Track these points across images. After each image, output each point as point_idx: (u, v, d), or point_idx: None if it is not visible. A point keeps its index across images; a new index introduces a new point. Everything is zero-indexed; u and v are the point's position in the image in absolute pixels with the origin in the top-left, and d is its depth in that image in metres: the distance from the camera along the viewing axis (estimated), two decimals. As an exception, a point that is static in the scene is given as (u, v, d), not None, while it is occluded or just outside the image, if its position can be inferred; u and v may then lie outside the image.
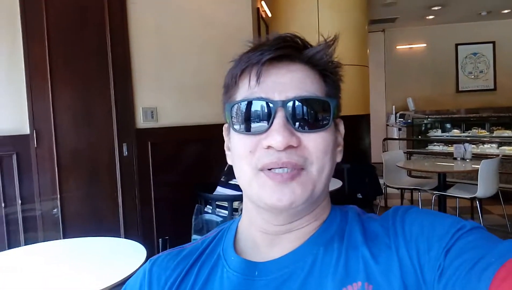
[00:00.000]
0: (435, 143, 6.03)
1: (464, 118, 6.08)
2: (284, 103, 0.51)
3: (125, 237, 2.47)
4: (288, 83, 0.53)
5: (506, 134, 5.51)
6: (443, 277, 0.46)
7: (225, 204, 2.55)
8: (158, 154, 2.99)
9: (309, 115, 0.52)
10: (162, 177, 2.99)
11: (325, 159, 0.53)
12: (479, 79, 7.41)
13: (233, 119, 0.54)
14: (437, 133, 6.18)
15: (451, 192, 3.83)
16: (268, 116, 0.51)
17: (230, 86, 0.57)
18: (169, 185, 3.00)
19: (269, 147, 0.51)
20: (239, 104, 0.54)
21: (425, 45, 7.18)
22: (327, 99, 0.54)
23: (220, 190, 2.66)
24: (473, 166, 3.77)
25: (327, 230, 0.57)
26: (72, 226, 2.68)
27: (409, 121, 6.47)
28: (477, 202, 3.82)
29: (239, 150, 0.54)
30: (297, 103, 0.52)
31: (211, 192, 2.67)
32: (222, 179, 2.69)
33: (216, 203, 2.56)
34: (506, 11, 6.70)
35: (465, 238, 0.48)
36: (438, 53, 7.36)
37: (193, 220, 2.56)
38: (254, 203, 0.56)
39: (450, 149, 5.48)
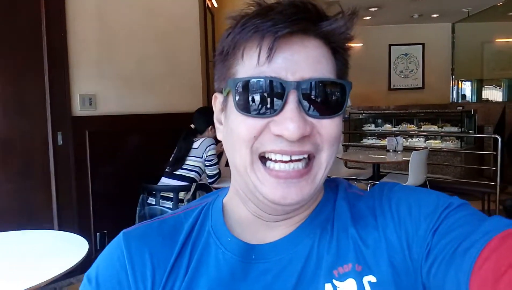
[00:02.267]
0: (369, 137, 6.41)
1: (395, 114, 6.51)
2: (298, 85, 0.45)
3: (61, 232, 2.33)
4: (303, 61, 0.47)
5: (432, 129, 5.98)
6: (430, 256, 0.46)
7: (170, 195, 2.50)
8: (96, 143, 2.85)
9: (324, 100, 0.47)
10: (101, 168, 2.86)
11: (335, 146, 0.50)
12: (409, 78, 7.99)
13: (236, 97, 0.47)
14: (371, 127, 6.56)
15: (384, 181, 4.09)
16: (279, 99, 0.46)
17: (232, 55, 0.50)
18: (109, 177, 2.88)
19: (279, 135, 0.46)
20: (246, 81, 0.47)
21: (361, 44, 7.56)
22: (343, 82, 0.49)
23: (164, 181, 2.60)
24: (404, 157, 4.06)
25: (321, 212, 0.55)
26: (1, 222, 2.47)
27: (346, 116, 6.79)
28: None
29: (242, 133, 0.48)
30: (312, 85, 0.46)
31: (156, 183, 2.60)
32: (167, 170, 2.63)
33: (161, 194, 2.51)
34: (435, 15, 7.27)
35: (452, 216, 0.48)
36: (373, 52, 7.79)
37: (137, 211, 2.48)
38: (249, 189, 0.51)
39: (383, 142, 5.85)
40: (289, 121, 0.45)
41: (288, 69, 0.46)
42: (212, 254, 0.53)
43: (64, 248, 1.74)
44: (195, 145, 2.62)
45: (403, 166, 4.25)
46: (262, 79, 0.46)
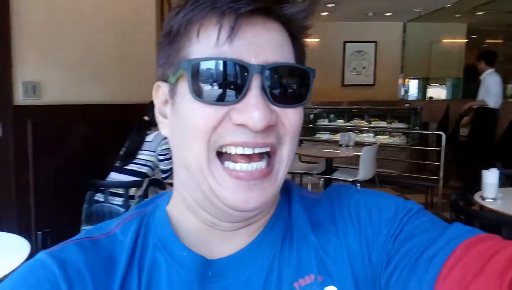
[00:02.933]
0: (323, 131, 6.56)
1: (348, 109, 6.71)
2: (262, 69, 0.41)
3: (-2, 231, 2.15)
4: (266, 44, 0.43)
5: (381, 125, 6.24)
6: (390, 264, 0.45)
7: (120, 191, 2.39)
8: (40, 135, 2.66)
9: (289, 87, 0.44)
10: (44, 162, 2.67)
11: (296, 138, 0.46)
12: (361, 75, 8.24)
13: (192, 81, 0.42)
14: (324, 122, 6.71)
15: (336, 175, 4.21)
16: (241, 84, 0.41)
17: (184, 35, 0.44)
18: (53, 171, 2.69)
19: (241, 124, 0.42)
20: (204, 63, 0.41)
21: (318, 40, 7.67)
22: (308, 69, 0.46)
23: (114, 176, 2.49)
24: (355, 152, 4.20)
25: (279, 218, 0.51)
26: None
27: (301, 110, 6.90)
28: (358, 184, 4.29)
29: (198, 123, 0.42)
30: (277, 70, 0.43)
31: (104, 179, 2.48)
32: (117, 164, 2.52)
33: (110, 190, 2.39)
34: (388, 14, 7.53)
35: (413, 221, 0.47)
36: (329, 48, 7.92)
37: (84, 209, 2.35)
38: (203, 194, 0.45)
39: (335, 137, 6.02)
40: (253, 108, 0.40)
41: (251, 51, 0.42)
42: (163, 272, 0.46)
43: (2, 250, 1.60)
44: (149, 138, 2.53)
45: (354, 161, 4.39)
46: (224, 61, 0.41)
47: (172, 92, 0.46)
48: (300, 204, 0.52)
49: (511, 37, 10.12)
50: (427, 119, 6.58)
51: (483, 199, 2.20)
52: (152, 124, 2.57)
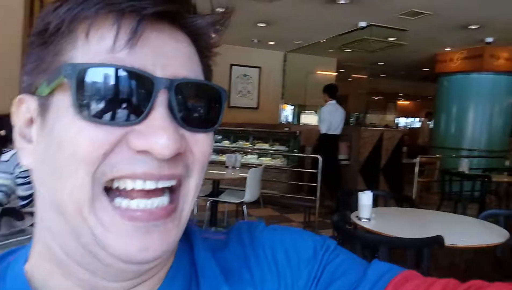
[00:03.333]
0: (209, 152, 6.49)
1: (233, 130, 6.81)
2: (171, 85, 0.34)
3: None
4: (174, 56, 0.35)
5: (264, 147, 6.49)
6: None
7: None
8: None
9: (200, 108, 0.37)
10: None
11: (205, 169, 0.39)
12: (246, 97, 8.53)
13: (77, 92, 0.32)
14: (211, 142, 6.68)
15: (223, 197, 4.16)
16: (144, 100, 0.33)
17: (65, 35, 0.34)
18: None
19: (143, 151, 0.33)
20: (95, 70, 0.32)
21: (204, 60, 7.71)
22: (221, 90, 0.39)
23: (-48, 205, 1.97)
24: (241, 174, 4.23)
25: (180, 269, 0.42)
26: None
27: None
28: (244, 206, 4.31)
29: (82, 149, 0.32)
30: (189, 87, 0.36)
31: None
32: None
33: None
34: (271, 43, 7.99)
35: (333, 261, 0.44)
36: (216, 70, 8.00)
37: None
38: (81, 244, 0.34)
39: (221, 158, 6.03)
40: (160, 131, 0.32)
41: (157, 61, 0.34)
42: None
43: None
44: (4, 157, 2.08)
45: (239, 182, 4.42)
46: (122, 70, 0.32)
47: (43, 108, 0.35)
48: (205, 249, 0.44)
49: (373, 74, 11.80)
50: (303, 142, 7.09)
51: (359, 219, 2.37)
52: (8, 140, 2.12)
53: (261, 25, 6.52)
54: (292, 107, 9.98)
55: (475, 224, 2.42)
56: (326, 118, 5.58)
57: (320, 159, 4.51)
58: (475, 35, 6.65)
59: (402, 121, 17.33)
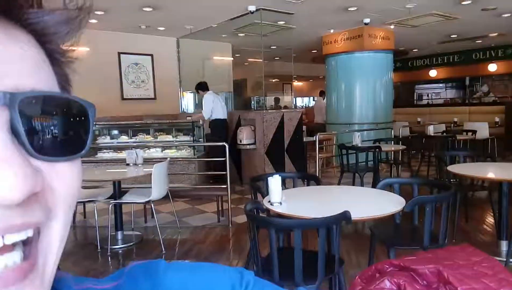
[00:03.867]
0: (105, 151, 5.98)
1: (131, 124, 6.36)
2: (12, 100, 0.25)
3: None
4: (14, 61, 0.27)
5: (167, 139, 6.18)
6: None
7: None
8: None
9: (60, 129, 0.28)
10: None
11: (73, 208, 0.31)
12: (141, 88, 8.02)
13: None
14: (106, 140, 6.14)
15: (126, 198, 3.84)
16: None
17: None
18: None
19: None
20: None
21: (88, 49, 6.98)
22: (86, 104, 0.30)
23: None
24: (145, 170, 3.94)
25: None
26: None
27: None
28: (151, 204, 4.04)
29: None
30: (37, 102, 0.27)
31: None
32: None
33: None
34: (161, 28, 7.56)
35: None
36: (102, 59, 7.38)
37: None
38: None
39: (120, 155, 5.58)
40: (2, 165, 0.24)
41: None
42: None
43: None
44: None
45: (143, 179, 4.12)
46: None
47: None
48: None
49: (268, 57, 12.05)
50: (208, 130, 6.96)
51: (271, 204, 2.35)
52: None
53: (147, 9, 6.11)
54: (192, 94, 9.73)
55: (375, 194, 2.58)
56: (209, 105, 6.35)
57: (227, 146, 4.43)
58: (354, 17, 7.17)
59: (299, 102, 18.28)
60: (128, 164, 4.12)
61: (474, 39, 10.22)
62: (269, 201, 2.38)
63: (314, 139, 5.79)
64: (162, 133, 6.36)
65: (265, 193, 2.58)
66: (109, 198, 3.91)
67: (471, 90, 13.48)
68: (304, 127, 9.86)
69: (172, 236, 4.12)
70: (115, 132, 6.35)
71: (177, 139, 6.12)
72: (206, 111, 6.31)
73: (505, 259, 3.03)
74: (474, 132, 7.47)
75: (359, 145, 5.47)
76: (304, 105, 17.83)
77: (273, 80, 15.54)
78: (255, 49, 7.94)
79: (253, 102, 12.01)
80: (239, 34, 8.11)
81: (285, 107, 12.41)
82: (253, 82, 12.97)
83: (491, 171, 3.41)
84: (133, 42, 7.79)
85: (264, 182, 2.74)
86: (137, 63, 7.91)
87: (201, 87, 6.64)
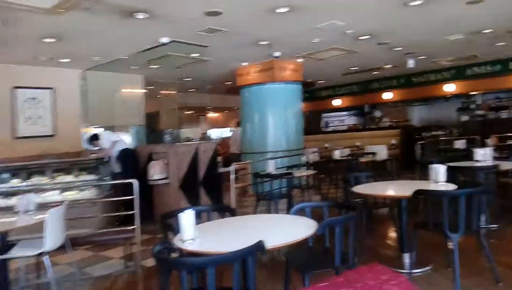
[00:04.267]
0: (-6, 197, 5.21)
1: (24, 166, 5.64)
2: None
3: None
4: None
5: (67, 180, 5.60)
6: None
7: None
8: None
9: None
10: None
11: None
12: (38, 124, 7.26)
13: None
14: (-7, 185, 5.37)
15: (13, 252, 3.30)
16: None
17: None
18: None
19: None
20: None
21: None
22: None
23: None
24: (37, 217, 3.45)
25: None
26: None
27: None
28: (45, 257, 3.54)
29: None
30: None
31: None
32: None
33: None
34: (65, 60, 7.01)
35: None
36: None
37: None
38: None
39: (10, 202, 4.91)
40: None
41: None
42: None
43: None
44: None
45: (37, 228, 3.61)
46: None
47: None
48: None
49: (182, 89, 11.91)
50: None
51: (183, 241, 2.18)
52: None
53: (49, 40, 5.63)
54: (102, 129, 9.09)
55: (288, 220, 2.57)
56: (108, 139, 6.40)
57: (136, 182, 4.13)
58: (265, 50, 7.48)
59: (214, 133, 18.30)
60: (17, 212, 3.59)
61: (371, 71, 11.34)
62: (181, 239, 2.22)
63: (229, 169, 5.74)
64: (61, 173, 5.75)
65: (178, 230, 2.40)
66: (-5, 253, 3.34)
67: (370, 117, 14.82)
68: (219, 158, 9.83)
69: (71, 291, 3.64)
70: (6, 175, 5.58)
71: (79, 179, 5.58)
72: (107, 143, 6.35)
73: (409, 271, 3.21)
74: (374, 154, 8.12)
75: (273, 172, 5.54)
76: (220, 137, 17.90)
77: (188, 112, 15.40)
78: (169, 81, 7.78)
79: (166, 135, 11.66)
80: (151, 66, 7.89)
81: (201, 138, 12.29)
82: (167, 114, 12.65)
83: (391, 189, 3.66)
84: (32, 75, 7.10)
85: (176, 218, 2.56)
86: (35, 98, 7.19)
87: (94, 139, 6.54)
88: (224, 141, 15.60)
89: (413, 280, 3.12)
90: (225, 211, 2.99)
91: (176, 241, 2.22)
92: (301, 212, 2.77)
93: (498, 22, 6.51)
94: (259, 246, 1.82)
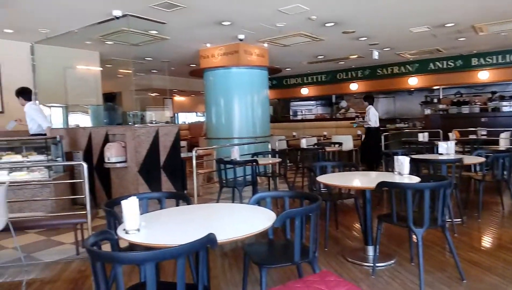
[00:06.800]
0: None
1: (-35, 143, 5.17)
2: None
3: None
4: None
5: (16, 159, 5.18)
6: None
7: None
8: None
9: None
10: None
11: None
12: (-17, 100, 6.69)
13: None
14: None
15: None
16: None
17: None
18: None
19: None
20: None
21: None
22: None
23: None
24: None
25: None
26: None
27: None
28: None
29: None
30: None
31: None
32: None
33: None
34: (8, 31, 6.43)
35: None
36: None
37: None
38: None
39: None
40: None
41: None
42: None
43: None
44: None
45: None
46: None
47: None
48: None
49: (143, 69, 11.38)
50: (70, 148, 6.09)
51: (126, 232, 1.96)
52: None
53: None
54: (61, 108, 8.52)
55: (247, 210, 2.39)
56: (38, 115, 5.96)
57: (85, 166, 3.81)
58: (229, 32, 7.20)
59: (182, 117, 17.82)
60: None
61: (337, 60, 11.31)
62: (124, 230, 1.99)
63: (192, 154, 5.50)
64: (11, 152, 5.31)
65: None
66: None
67: (337, 107, 14.91)
68: (185, 143, 9.52)
69: (14, 277, 3.33)
70: None
71: (29, 159, 5.17)
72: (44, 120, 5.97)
73: (372, 264, 3.15)
74: (340, 144, 8.10)
75: (238, 159, 5.36)
76: (187, 121, 17.46)
77: (153, 94, 14.85)
78: (127, 60, 7.36)
79: (129, 117, 11.17)
80: (106, 42, 7.41)
81: (167, 122, 11.90)
82: (128, 96, 12.13)
83: (356, 180, 3.57)
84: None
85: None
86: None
87: (23, 94, 5.91)
88: (193, 126, 15.22)
89: (376, 274, 3.06)
90: (179, 198, 2.78)
91: (120, 231, 1.99)
92: (263, 202, 2.60)
93: (461, 16, 6.58)
94: (209, 239, 1.63)
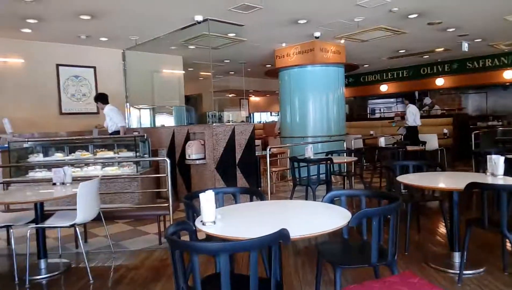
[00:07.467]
0: (38, 169, 5.42)
1: (68, 140, 5.85)
2: None
3: None
4: None
5: (108, 155, 5.72)
6: None
7: None
8: None
9: None
10: None
11: None
12: (82, 102, 7.48)
13: None
14: (38, 158, 5.58)
15: (50, 222, 3.38)
16: None
17: None
18: None
19: None
20: None
21: (22, 61, 6.42)
22: None
23: None
24: (73, 190, 3.50)
25: None
26: None
27: (5, 145, 5.51)
28: (83, 227, 3.59)
29: None
30: None
31: None
32: None
33: None
34: (104, 39, 7.11)
35: None
36: (39, 71, 6.83)
37: None
38: None
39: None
40: None
41: None
42: None
43: None
44: None
45: (74, 200, 3.67)
46: None
47: None
48: None
49: (222, 71, 11.82)
50: (157, 146, 6.54)
51: (203, 223, 2.04)
52: None
53: (85, 17, 5.69)
54: (148, 109, 9.27)
55: (321, 208, 2.35)
56: (116, 116, 6.57)
57: (168, 161, 4.08)
58: (305, 30, 7.13)
59: (257, 117, 18.15)
60: (54, 184, 3.66)
61: (421, 54, 10.59)
62: (201, 221, 2.08)
63: (266, 152, 5.57)
64: (103, 149, 5.88)
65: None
66: (31, 222, 3.43)
67: (421, 104, 13.97)
68: (259, 142, 9.67)
69: (104, 262, 3.67)
70: (51, 149, 5.79)
71: (119, 155, 5.67)
72: (119, 121, 6.55)
73: (458, 272, 2.89)
74: (424, 143, 7.58)
75: (311, 157, 5.30)
76: (263, 121, 17.72)
77: (230, 95, 15.35)
78: (208, 63, 7.70)
79: (208, 118, 11.71)
80: (189, 47, 7.83)
81: (242, 122, 12.22)
82: (208, 97, 12.69)
83: (441, 181, 3.31)
84: (73, 53, 7.28)
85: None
86: (78, 76, 7.39)
87: (102, 99, 6.57)
88: (267, 125, 15.44)
89: (463, 282, 2.81)
90: (253, 194, 2.83)
91: (197, 223, 2.08)
92: (337, 200, 2.54)
93: None
94: (282, 235, 1.63)
